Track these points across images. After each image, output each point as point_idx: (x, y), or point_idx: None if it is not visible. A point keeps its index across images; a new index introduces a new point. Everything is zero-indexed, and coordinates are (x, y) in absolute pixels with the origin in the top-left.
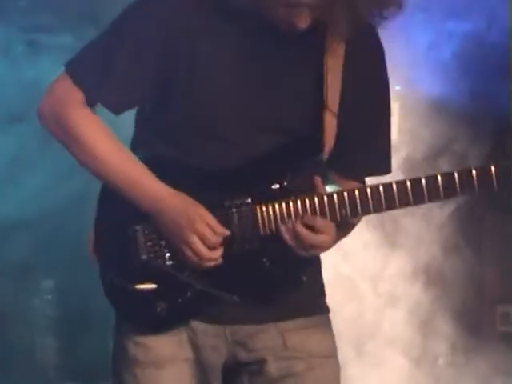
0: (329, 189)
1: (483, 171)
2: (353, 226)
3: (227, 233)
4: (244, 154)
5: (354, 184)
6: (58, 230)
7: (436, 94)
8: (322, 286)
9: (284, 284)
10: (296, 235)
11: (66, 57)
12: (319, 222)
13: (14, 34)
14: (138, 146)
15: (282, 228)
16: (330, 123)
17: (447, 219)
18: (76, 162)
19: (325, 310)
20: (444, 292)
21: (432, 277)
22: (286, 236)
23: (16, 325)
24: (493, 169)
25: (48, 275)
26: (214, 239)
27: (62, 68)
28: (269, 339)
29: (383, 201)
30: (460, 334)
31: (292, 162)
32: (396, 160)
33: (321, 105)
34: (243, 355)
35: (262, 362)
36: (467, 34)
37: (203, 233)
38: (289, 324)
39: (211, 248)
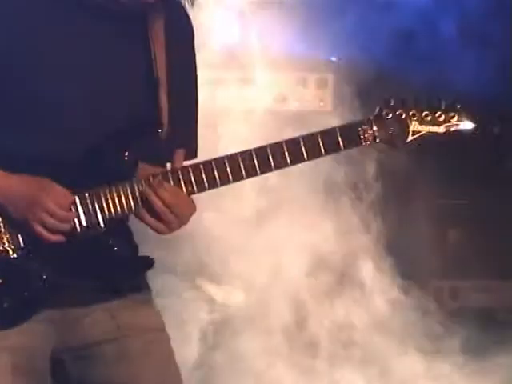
0: None
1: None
2: None
3: (73, 199)
4: (80, 140)
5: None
6: None
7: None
8: (143, 264)
9: (133, 264)
10: (154, 208)
11: None
12: (168, 188)
13: None
14: None
15: (141, 210)
16: (164, 99)
17: None
18: None
19: (148, 287)
20: None
21: None
22: (146, 216)
23: None
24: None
25: None
26: (61, 213)
27: None
28: (98, 321)
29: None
30: None
31: (131, 143)
32: None
33: (154, 82)
34: (72, 341)
35: (95, 346)
36: None
37: (49, 208)
38: (116, 303)
39: (60, 219)
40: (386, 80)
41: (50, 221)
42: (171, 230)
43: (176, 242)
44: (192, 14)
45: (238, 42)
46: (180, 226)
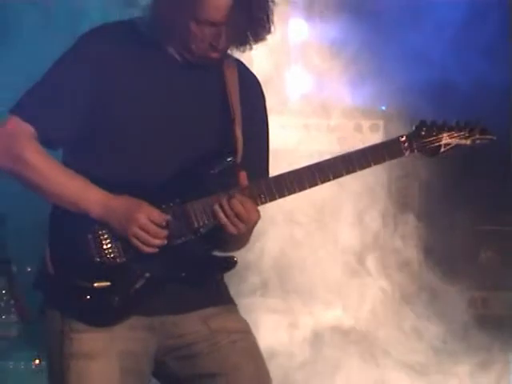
0: None
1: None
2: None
3: (166, 218)
4: (170, 169)
5: None
6: None
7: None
8: (227, 286)
9: (219, 264)
10: (228, 208)
11: None
12: (244, 199)
13: None
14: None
15: (216, 207)
16: (239, 133)
17: None
18: None
19: (234, 302)
20: None
21: None
22: (219, 214)
23: None
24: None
25: None
26: (153, 228)
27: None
28: (194, 325)
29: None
30: None
31: (215, 163)
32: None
33: (230, 119)
34: (172, 341)
35: (191, 345)
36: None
37: (144, 223)
38: (208, 311)
39: (153, 235)
40: None
41: (144, 235)
42: (239, 231)
43: (287, 269)
44: (276, 71)
45: (313, 94)
46: (247, 230)
